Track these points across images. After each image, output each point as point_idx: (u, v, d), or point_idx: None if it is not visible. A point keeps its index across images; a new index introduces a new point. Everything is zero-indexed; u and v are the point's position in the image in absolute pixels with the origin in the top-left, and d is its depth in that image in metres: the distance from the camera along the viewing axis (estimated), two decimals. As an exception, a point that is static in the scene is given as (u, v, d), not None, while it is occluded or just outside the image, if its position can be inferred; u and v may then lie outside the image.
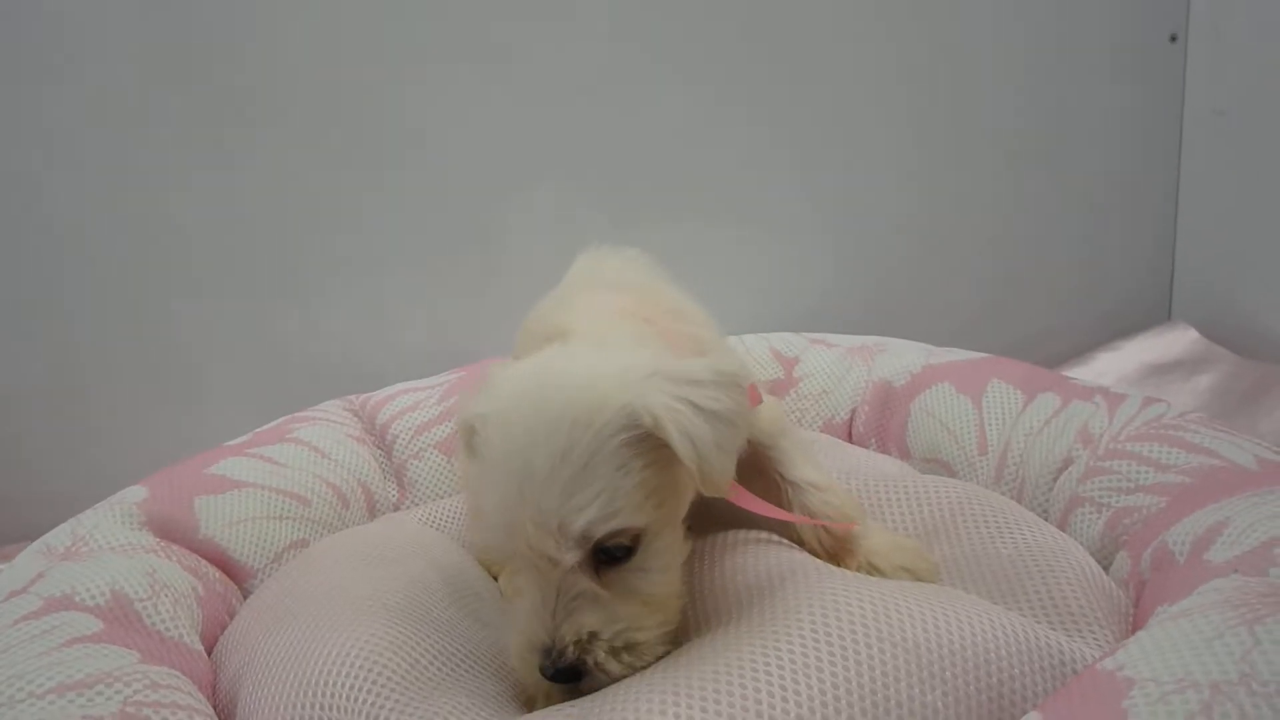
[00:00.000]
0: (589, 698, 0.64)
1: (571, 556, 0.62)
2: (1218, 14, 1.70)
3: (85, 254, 1.41)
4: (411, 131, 1.47)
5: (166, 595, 0.85)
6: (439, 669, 0.72)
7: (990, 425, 1.08)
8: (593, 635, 0.64)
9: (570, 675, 0.65)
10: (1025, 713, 0.61)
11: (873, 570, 0.80)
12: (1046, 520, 0.91)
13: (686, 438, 0.62)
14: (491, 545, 0.65)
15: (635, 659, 0.65)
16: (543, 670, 0.64)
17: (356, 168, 1.46)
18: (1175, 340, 1.71)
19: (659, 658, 0.66)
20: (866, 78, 1.63)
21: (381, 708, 0.67)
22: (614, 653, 0.65)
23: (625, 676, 0.65)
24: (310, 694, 0.68)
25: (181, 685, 0.74)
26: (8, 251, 1.38)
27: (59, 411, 1.45)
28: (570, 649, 0.64)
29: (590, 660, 0.64)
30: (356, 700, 0.67)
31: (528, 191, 1.53)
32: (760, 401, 0.79)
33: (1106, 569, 0.81)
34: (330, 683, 0.68)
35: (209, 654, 0.86)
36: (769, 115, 1.61)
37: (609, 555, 0.65)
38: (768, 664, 0.61)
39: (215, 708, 0.78)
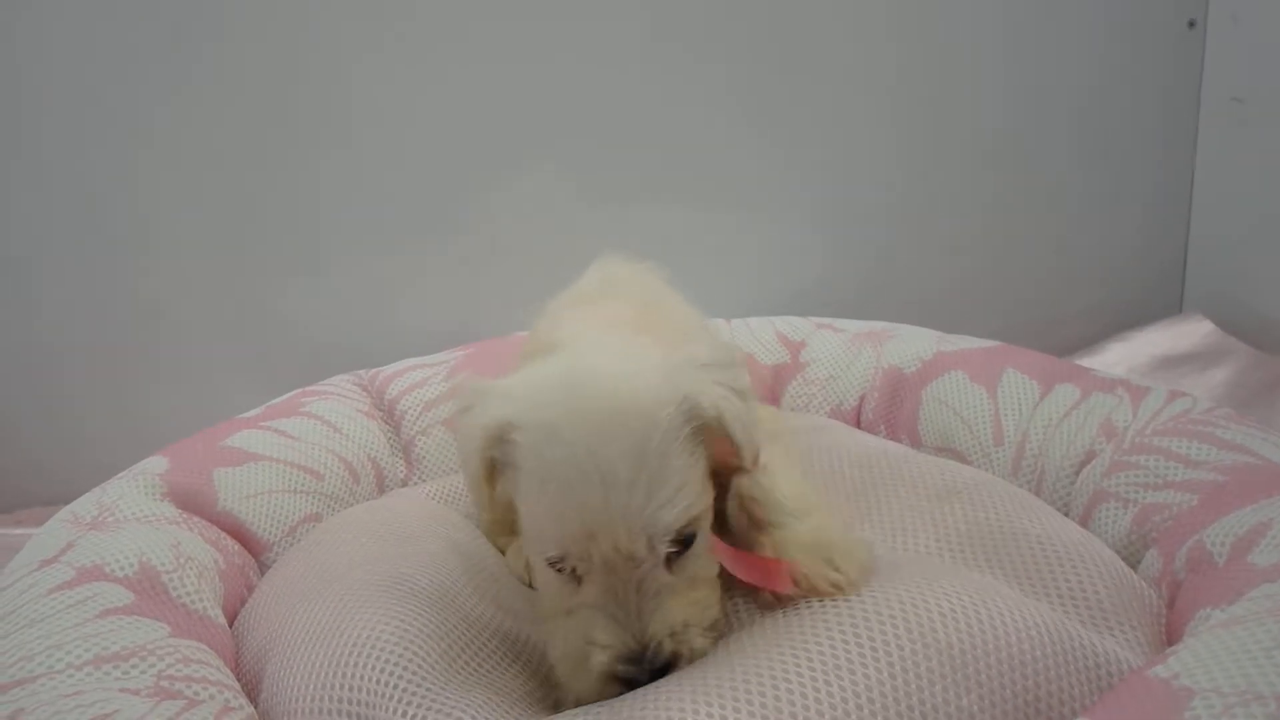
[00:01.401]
0: (619, 699, 0.62)
1: (661, 552, 0.62)
2: (1236, 0, 1.67)
3: (88, 242, 1.42)
4: (410, 114, 1.48)
5: (191, 568, 0.85)
6: (468, 661, 0.71)
7: (1006, 415, 1.06)
8: (685, 624, 0.64)
9: (665, 670, 0.63)
10: (1062, 717, 0.59)
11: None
12: (1068, 516, 0.89)
13: (739, 422, 0.65)
14: (564, 552, 0.63)
15: (716, 634, 0.66)
16: (636, 677, 0.63)
17: (356, 151, 1.48)
18: (1188, 332, 1.69)
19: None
20: (873, 64, 1.62)
21: (414, 694, 0.65)
22: (704, 633, 0.65)
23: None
24: (341, 673, 0.67)
25: (210, 660, 0.74)
26: (6, 231, 1.40)
27: (59, 389, 1.46)
28: (666, 643, 0.63)
29: (685, 649, 0.64)
30: (388, 684, 0.66)
31: (524, 174, 1.54)
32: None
33: (1134, 567, 0.80)
34: (362, 663, 0.67)
35: (230, 627, 0.86)
36: (765, 97, 1.60)
37: (677, 545, 0.64)
38: (798, 665, 0.60)
39: (239, 682, 0.77)
